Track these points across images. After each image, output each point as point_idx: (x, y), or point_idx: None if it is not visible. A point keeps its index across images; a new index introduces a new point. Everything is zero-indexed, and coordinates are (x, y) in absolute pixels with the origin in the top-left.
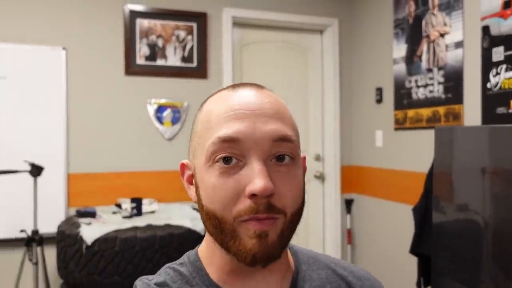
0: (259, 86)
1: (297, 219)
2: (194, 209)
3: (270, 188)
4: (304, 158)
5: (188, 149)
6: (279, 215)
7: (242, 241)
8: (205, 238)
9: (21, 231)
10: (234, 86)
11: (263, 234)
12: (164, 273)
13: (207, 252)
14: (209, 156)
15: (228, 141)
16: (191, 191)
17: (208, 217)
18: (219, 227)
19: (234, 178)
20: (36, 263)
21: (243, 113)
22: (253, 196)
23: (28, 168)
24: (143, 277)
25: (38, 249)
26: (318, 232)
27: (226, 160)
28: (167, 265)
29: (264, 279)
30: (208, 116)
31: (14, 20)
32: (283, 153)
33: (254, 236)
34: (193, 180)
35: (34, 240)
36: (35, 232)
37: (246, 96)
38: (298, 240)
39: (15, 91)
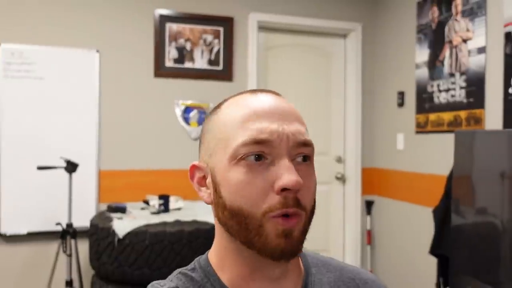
0: (276, 93)
1: (313, 216)
2: None
3: (300, 182)
4: None
5: (200, 151)
6: (302, 211)
7: (269, 237)
8: (214, 243)
9: (57, 224)
10: (253, 91)
11: (290, 232)
12: (175, 279)
13: (218, 257)
14: (236, 154)
15: (261, 142)
16: (203, 192)
17: (232, 214)
18: (245, 223)
19: (263, 175)
20: (70, 255)
21: (269, 115)
22: (283, 191)
23: (64, 164)
24: (154, 282)
25: (72, 241)
26: (338, 233)
27: (255, 158)
28: (177, 270)
29: (277, 281)
30: (233, 117)
31: (52, 25)
32: (306, 154)
33: (282, 234)
34: (206, 181)
35: (68, 233)
36: (70, 225)
37: (270, 100)
38: (318, 240)
39: (52, 92)
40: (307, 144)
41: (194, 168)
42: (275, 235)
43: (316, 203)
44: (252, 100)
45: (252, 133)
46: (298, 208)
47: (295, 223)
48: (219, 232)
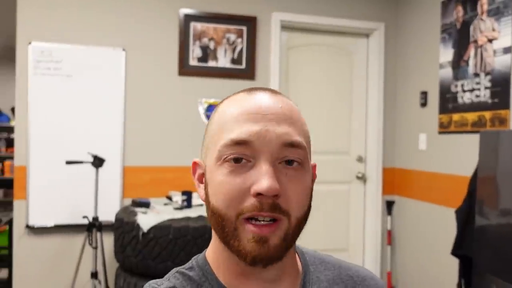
0: (274, 91)
1: (303, 223)
2: None
3: (275, 188)
4: (315, 166)
5: (201, 148)
6: (283, 216)
7: (242, 242)
8: (211, 242)
9: (83, 217)
10: (250, 89)
11: (263, 239)
12: (173, 278)
13: (214, 255)
14: (220, 155)
15: (240, 143)
16: (201, 189)
17: (213, 213)
18: (221, 225)
19: (242, 177)
20: (95, 247)
21: (256, 116)
22: (258, 195)
23: (91, 159)
24: (151, 281)
25: (98, 234)
26: (359, 232)
27: (236, 160)
28: (175, 269)
29: (273, 282)
30: (222, 117)
31: (80, 24)
32: (291, 158)
33: (253, 241)
34: (203, 178)
35: (94, 226)
36: (96, 218)
37: (261, 100)
38: (338, 240)
39: (79, 89)
40: (295, 147)
41: (195, 164)
42: (247, 240)
43: (333, 205)
44: (245, 100)
45: (233, 135)
46: (276, 212)
47: (270, 230)
48: (213, 231)
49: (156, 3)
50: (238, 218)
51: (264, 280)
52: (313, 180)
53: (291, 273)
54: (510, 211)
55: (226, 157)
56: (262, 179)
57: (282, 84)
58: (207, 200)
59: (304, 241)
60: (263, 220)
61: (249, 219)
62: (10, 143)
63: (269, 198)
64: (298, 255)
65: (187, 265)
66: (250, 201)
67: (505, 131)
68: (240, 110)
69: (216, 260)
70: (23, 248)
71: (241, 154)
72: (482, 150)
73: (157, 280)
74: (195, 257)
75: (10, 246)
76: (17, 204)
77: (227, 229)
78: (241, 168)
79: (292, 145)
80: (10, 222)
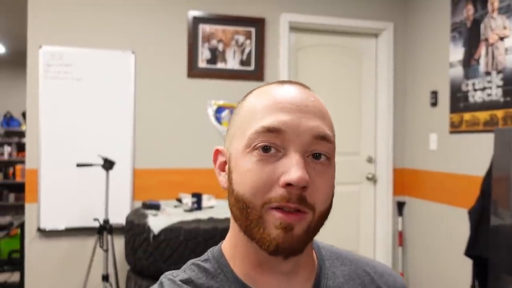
0: (305, 86)
1: (325, 218)
2: None
3: (305, 180)
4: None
5: (225, 137)
6: (309, 210)
7: (267, 229)
8: (228, 234)
9: (95, 219)
10: (282, 82)
11: (289, 227)
12: (189, 270)
13: (231, 247)
14: (249, 143)
15: (272, 131)
16: (222, 177)
17: (237, 201)
18: (246, 212)
19: (271, 167)
20: (106, 250)
21: (289, 107)
22: (287, 185)
23: (101, 162)
24: (167, 273)
25: (109, 237)
26: (369, 233)
27: (266, 148)
28: (191, 261)
29: (289, 274)
30: (253, 106)
31: (89, 27)
32: (320, 152)
33: (280, 227)
34: (226, 166)
35: (105, 229)
36: (106, 221)
37: (293, 92)
38: (349, 240)
39: (89, 92)
40: (326, 140)
41: (217, 152)
42: (273, 225)
43: (344, 206)
44: (276, 91)
45: (264, 122)
46: (302, 205)
47: (296, 219)
48: (232, 221)
49: (164, 5)
50: (263, 207)
51: (280, 272)
52: None
53: (306, 267)
54: None
55: (256, 144)
56: (293, 169)
57: None
58: (230, 187)
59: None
60: (288, 210)
61: (274, 208)
62: (21, 148)
63: (297, 189)
64: (315, 250)
65: (203, 257)
66: (278, 192)
67: None
68: (272, 100)
69: (232, 252)
70: (35, 251)
71: (271, 143)
72: (496, 148)
73: (173, 271)
74: (210, 249)
75: (22, 250)
76: (28, 207)
77: (252, 216)
78: (270, 157)
79: (323, 138)
80: (21, 226)
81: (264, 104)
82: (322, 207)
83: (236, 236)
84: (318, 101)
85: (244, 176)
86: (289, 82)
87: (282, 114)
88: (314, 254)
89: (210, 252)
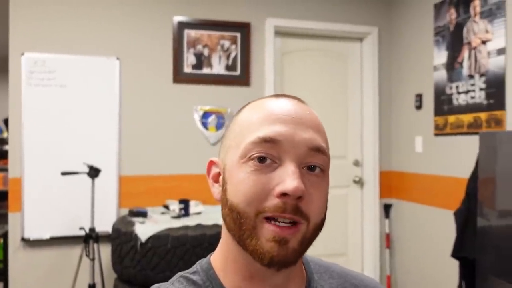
0: (300, 99)
1: (319, 230)
2: None
3: (301, 189)
4: None
5: (220, 148)
6: (303, 220)
7: (260, 242)
8: (219, 246)
9: (80, 228)
10: (277, 95)
11: (283, 241)
12: (177, 282)
13: (221, 259)
14: (245, 153)
15: (268, 141)
16: (215, 188)
17: (231, 211)
18: (239, 222)
19: (266, 177)
20: (93, 259)
21: (285, 119)
22: (282, 196)
23: (87, 170)
24: (156, 285)
25: (95, 245)
26: (357, 236)
27: (261, 159)
28: (179, 273)
29: (279, 287)
30: (249, 118)
31: (73, 34)
32: (315, 164)
33: (273, 240)
34: (220, 178)
35: (91, 237)
36: (92, 229)
37: (288, 105)
38: (336, 244)
39: (73, 99)
40: (321, 153)
41: (211, 163)
42: (266, 238)
43: (331, 209)
44: (272, 104)
45: (260, 133)
46: (297, 216)
47: (290, 233)
48: (224, 232)
49: (149, 11)
50: (257, 217)
51: (270, 285)
52: None
53: (296, 281)
54: (511, 212)
55: (252, 155)
56: (289, 179)
57: (277, 89)
58: (224, 198)
59: None
60: (283, 222)
61: (268, 219)
62: (2, 155)
63: (293, 199)
64: (303, 263)
65: (191, 269)
66: (273, 202)
67: (504, 132)
68: (268, 112)
69: (223, 264)
70: (19, 262)
71: (267, 154)
72: (481, 151)
73: (161, 284)
74: (199, 261)
75: (5, 260)
76: (12, 216)
77: (245, 227)
78: (266, 168)
79: (318, 150)
80: (5, 235)
81: (259, 116)
82: (317, 219)
83: (228, 248)
84: (313, 114)
85: (239, 186)
86: (285, 95)
87: (278, 125)
88: (303, 268)
89: (199, 264)
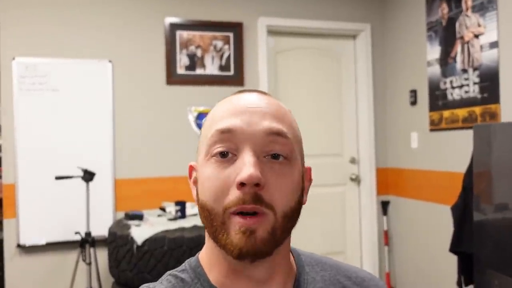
0: (263, 92)
1: (291, 218)
2: None
3: (256, 176)
4: (309, 169)
5: (196, 150)
6: (268, 210)
7: (230, 235)
8: (205, 243)
9: (76, 233)
10: (240, 91)
11: (250, 230)
12: (165, 281)
13: (207, 255)
14: (207, 149)
15: (225, 131)
16: (194, 191)
17: (202, 209)
18: (210, 219)
19: (227, 171)
20: (89, 263)
21: (241, 110)
22: (241, 186)
23: (81, 174)
24: (145, 285)
25: (91, 250)
26: (355, 234)
27: (222, 154)
28: (168, 272)
29: (264, 281)
30: (212, 116)
31: (64, 37)
32: (277, 152)
33: (240, 232)
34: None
35: (87, 242)
36: (88, 234)
37: (247, 98)
38: (335, 242)
39: (66, 103)
40: (281, 136)
41: (191, 168)
42: (234, 232)
43: (329, 208)
44: (234, 99)
45: (219, 126)
46: (258, 205)
47: (255, 222)
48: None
49: (140, 13)
50: (225, 212)
51: (254, 279)
52: (306, 181)
53: (283, 274)
54: (507, 205)
55: (213, 151)
56: (244, 168)
57: (271, 88)
58: (197, 197)
59: (301, 245)
60: (247, 214)
61: (235, 213)
62: None
63: (251, 188)
64: (294, 256)
65: (180, 267)
66: (235, 194)
67: (498, 124)
68: (227, 107)
69: (208, 260)
70: (15, 268)
71: (225, 148)
72: (476, 144)
73: (150, 283)
74: (188, 259)
75: (1, 267)
76: (7, 223)
77: (215, 223)
78: (227, 162)
79: (278, 133)
80: (0, 242)
81: (219, 112)
82: (284, 207)
83: (210, 245)
84: (274, 104)
85: (205, 183)
86: (248, 90)
87: (234, 116)
88: (293, 260)
89: (187, 262)
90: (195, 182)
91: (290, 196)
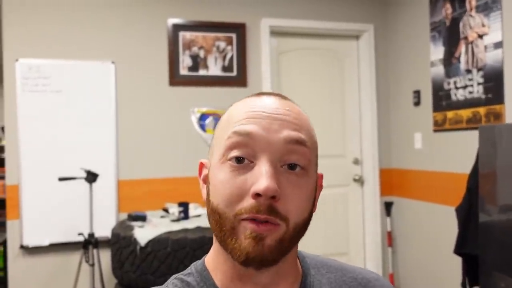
0: (283, 96)
1: (302, 230)
2: None
3: (273, 189)
4: (321, 176)
5: (209, 149)
6: (281, 221)
7: (239, 240)
8: (212, 247)
9: (79, 234)
10: (260, 93)
11: (260, 237)
12: (171, 285)
13: (213, 259)
14: (223, 152)
15: (242, 134)
16: (204, 189)
17: (212, 212)
18: (220, 223)
19: (243, 177)
20: (92, 265)
21: (261, 115)
22: (256, 196)
23: (84, 175)
24: None
25: (94, 251)
26: (358, 235)
27: (238, 160)
28: (174, 276)
29: (270, 286)
30: (229, 116)
31: (67, 39)
32: (294, 161)
33: (250, 237)
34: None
35: (90, 243)
36: (91, 235)
37: (268, 102)
38: (338, 243)
39: (69, 104)
40: (300, 144)
41: (201, 165)
42: (244, 235)
43: (332, 209)
44: (252, 101)
45: (236, 129)
46: (273, 216)
47: (266, 230)
48: (214, 234)
49: (143, 14)
50: (236, 218)
51: (259, 284)
52: (318, 189)
53: (288, 278)
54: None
55: (229, 155)
56: (261, 179)
57: (274, 89)
58: (207, 198)
59: (304, 246)
60: (259, 221)
61: (247, 219)
62: (1, 163)
63: (266, 199)
64: (299, 259)
65: (186, 271)
66: (249, 202)
67: (503, 125)
68: (246, 110)
69: (214, 264)
70: (19, 269)
71: (243, 154)
72: (481, 146)
73: (156, 287)
74: (194, 263)
75: (5, 268)
76: (10, 224)
77: (225, 227)
78: (243, 168)
79: (297, 142)
80: (4, 243)
81: (237, 114)
82: (297, 219)
83: (217, 248)
84: (295, 111)
85: (218, 187)
86: (267, 93)
87: (253, 121)
88: (299, 264)
89: (194, 266)
90: (205, 181)
91: (304, 208)
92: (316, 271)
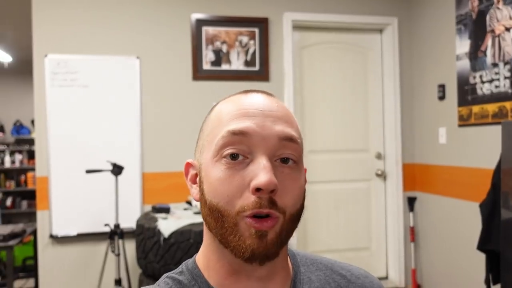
0: (269, 93)
1: (296, 221)
2: None
3: (274, 183)
4: (305, 171)
5: (195, 148)
6: (280, 214)
7: (242, 237)
8: (202, 244)
9: (105, 225)
10: (246, 91)
11: (263, 234)
12: (163, 283)
13: (205, 257)
14: (217, 150)
15: (238, 134)
16: (194, 189)
17: (211, 211)
18: (221, 221)
19: (240, 174)
20: (118, 254)
21: (254, 112)
22: (257, 190)
23: (110, 167)
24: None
25: (120, 241)
26: (381, 230)
27: (233, 156)
28: (165, 274)
29: (264, 281)
30: (219, 114)
31: (94, 35)
32: (287, 156)
33: (255, 235)
34: (197, 178)
35: (116, 234)
36: (117, 226)
37: (257, 99)
38: (360, 238)
39: (96, 98)
40: (292, 141)
41: (188, 165)
42: (248, 235)
43: (354, 203)
44: (241, 99)
45: (231, 127)
46: (274, 209)
47: (269, 226)
48: (205, 232)
49: (167, 9)
50: (238, 215)
51: (255, 279)
52: (305, 182)
53: (281, 273)
54: None
55: (223, 152)
56: (261, 173)
57: (296, 83)
58: (202, 198)
59: (326, 241)
60: (261, 216)
61: (249, 216)
62: (32, 155)
63: (267, 193)
64: (289, 256)
65: (177, 269)
66: (250, 199)
67: None
68: (237, 107)
69: (206, 262)
70: (48, 258)
71: (238, 150)
72: (504, 141)
73: (147, 286)
74: (185, 262)
75: (35, 256)
76: (40, 214)
77: (227, 224)
78: (239, 164)
79: (290, 139)
80: (34, 233)
81: (229, 112)
82: (293, 210)
83: (209, 247)
84: (282, 106)
85: (215, 185)
86: (254, 90)
87: (247, 118)
88: (289, 261)
89: (184, 265)
90: (194, 181)
91: (298, 199)
92: (306, 268)
